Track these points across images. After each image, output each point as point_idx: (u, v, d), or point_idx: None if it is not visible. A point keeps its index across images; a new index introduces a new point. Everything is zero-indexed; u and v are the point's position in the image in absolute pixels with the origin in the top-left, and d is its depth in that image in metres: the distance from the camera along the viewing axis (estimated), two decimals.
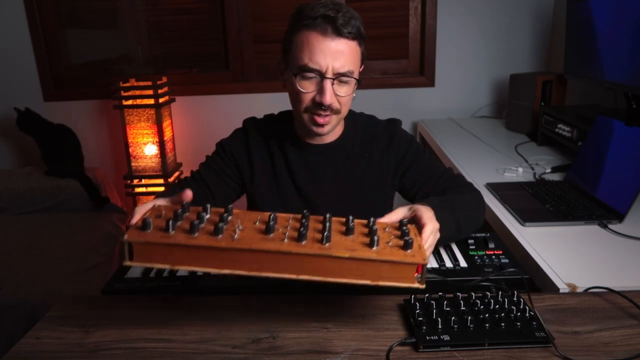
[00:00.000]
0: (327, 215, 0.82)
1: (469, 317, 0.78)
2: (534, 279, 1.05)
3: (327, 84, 1.05)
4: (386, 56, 2.74)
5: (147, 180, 2.59)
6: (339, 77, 1.06)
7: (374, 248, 0.74)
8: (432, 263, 0.98)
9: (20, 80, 2.75)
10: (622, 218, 1.24)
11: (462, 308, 0.81)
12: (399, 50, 2.74)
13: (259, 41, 2.73)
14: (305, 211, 0.84)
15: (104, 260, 2.19)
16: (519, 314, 0.80)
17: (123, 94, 2.50)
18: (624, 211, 1.24)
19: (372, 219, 0.83)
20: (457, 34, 2.67)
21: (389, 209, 1.30)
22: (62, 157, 2.54)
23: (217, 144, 1.27)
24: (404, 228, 0.81)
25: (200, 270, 0.75)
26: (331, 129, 1.13)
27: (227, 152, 1.24)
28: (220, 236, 0.74)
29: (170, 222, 0.74)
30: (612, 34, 1.70)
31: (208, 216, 0.81)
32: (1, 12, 2.66)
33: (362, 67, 1.16)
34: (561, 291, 0.95)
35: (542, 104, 2.15)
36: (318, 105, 1.07)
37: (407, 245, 0.75)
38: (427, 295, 0.85)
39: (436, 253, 1.01)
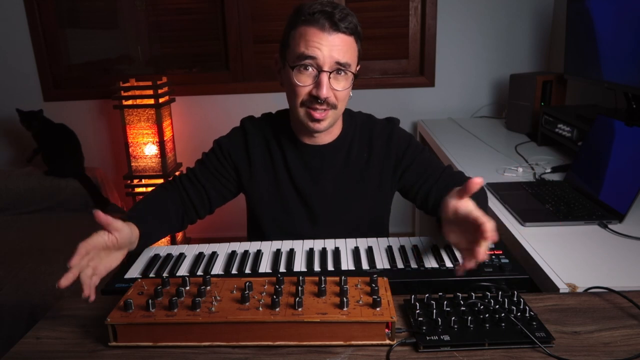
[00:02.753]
0: (301, 278, 0.86)
1: (469, 317, 0.78)
2: (534, 279, 1.05)
3: (324, 76, 1.05)
4: (386, 56, 2.74)
5: (147, 180, 2.60)
6: (336, 70, 1.06)
7: (345, 309, 0.78)
8: (432, 263, 0.98)
9: (20, 80, 2.76)
10: (622, 218, 1.24)
11: (462, 308, 0.81)
12: (399, 50, 2.74)
13: (259, 41, 2.73)
14: (279, 275, 0.88)
15: None
16: (519, 314, 0.80)
17: (123, 94, 2.50)
18: (624, 211, 1.24)
19: (343, 278, 0.85)
20: (457, 34, 2.67)
21: (388, 209, 1.30)
22: (62, 157, 2.54)
23: (214, 141, 1.26)
24: (374, 285, 0.83)
25: (182, 344, 0.79)
26: (328, 126, 1.13)
27: (225, 152, 1.23)
28: (198, 310, 0.79)
29: (150, 301, 0.79)
30: (612, 34, 1.70)
31: (188, 288, 0.86)
32: (1, 12, 2.67)
33: (359, 66, 1.16)
34: (561, 291, 0.95)
35: (542, 104, 2.15)
36: (314, 99, 1.07)
37: (376, 304, 0.78)
38: (427, 295, 0.85)
39: (436, 253, 1.01)
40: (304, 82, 1.07)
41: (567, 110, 1.92)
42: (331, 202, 1.22)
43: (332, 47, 1.05)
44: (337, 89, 1.08)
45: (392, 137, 1.22)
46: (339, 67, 1.06)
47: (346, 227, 1.22)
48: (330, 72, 1.06)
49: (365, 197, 1.22)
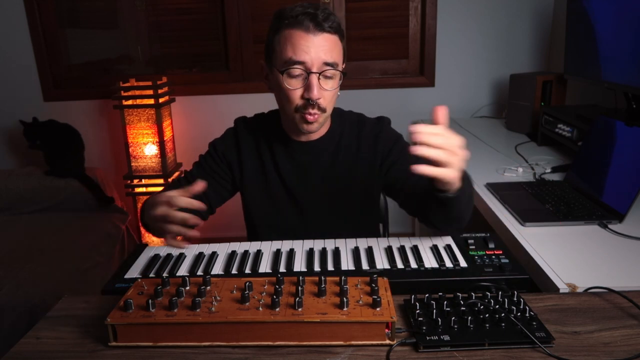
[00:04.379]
0: (301, 278, 0.86)
1: (469, 317, 0.78)
2: (534, 279, 1.05)
3: (314, 78, 1.07)
4: (386, 56, 2.74)
5: (147, 180, 2.60)
6: (324, 69, 1.07)
7: (345, 309, 0.78)
8: (432, 263, 0.98)
9: (20, 81, 2.76)
10: (622, 218, 1.24)
11: (462, 308, 0.81)
12: (399, 50, 2.74)
13: (259, 41, 2.73)
14: (279, 275, 0.88)
15: (104, 260, 2.19)
16: (519, 314, 0.80)
17: (123, 94, 2.50)
18: (624, 211, 1.24)
19: (343, 278, 0.85)
20: (457, 34, 2.67)
21: (376, 207, 1.31)
22: (64, 157, 2.54)
23: (209, 144, 1.29)
24: (374, 285, 0.83)
25: (182, 344, 0.79)
26: (319, 126, 1.15)
27: (219, 152, 1.26)
28: (198, 310, 0.79)
29: (150, 301, 0.79)
30: (612, 34, 1.70)
31: (188, 288, 0.86)
32: (1, 12, 2.67)
33: (344, 64, 1.17)
34: (561, 291, 0.95)
35: (542, 104, 2.15)
36: (307, 102, 1.08)
37: (376, 304, 0.78)
38: (427, 295, 0.85)
39: (436, 253, 1.01)
40: (294, 85, 1.09)
41: (567, 110, 1.92)
42: (318, 196, 1.24)
43: (318, 47, 1.06)
44: (327, 89, 1.09)
45: (380, 135, 1.23)
46: (327, 67, 1.07)
47: (334, 222, 1.23)
48: (320, 73, 1.07)
49: (352, 195, 1.24)
